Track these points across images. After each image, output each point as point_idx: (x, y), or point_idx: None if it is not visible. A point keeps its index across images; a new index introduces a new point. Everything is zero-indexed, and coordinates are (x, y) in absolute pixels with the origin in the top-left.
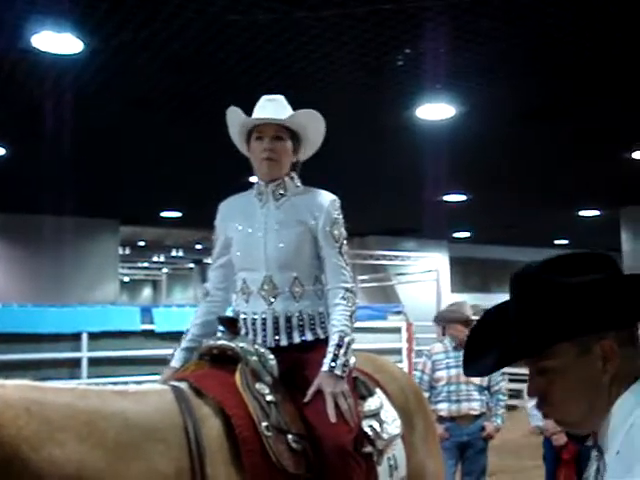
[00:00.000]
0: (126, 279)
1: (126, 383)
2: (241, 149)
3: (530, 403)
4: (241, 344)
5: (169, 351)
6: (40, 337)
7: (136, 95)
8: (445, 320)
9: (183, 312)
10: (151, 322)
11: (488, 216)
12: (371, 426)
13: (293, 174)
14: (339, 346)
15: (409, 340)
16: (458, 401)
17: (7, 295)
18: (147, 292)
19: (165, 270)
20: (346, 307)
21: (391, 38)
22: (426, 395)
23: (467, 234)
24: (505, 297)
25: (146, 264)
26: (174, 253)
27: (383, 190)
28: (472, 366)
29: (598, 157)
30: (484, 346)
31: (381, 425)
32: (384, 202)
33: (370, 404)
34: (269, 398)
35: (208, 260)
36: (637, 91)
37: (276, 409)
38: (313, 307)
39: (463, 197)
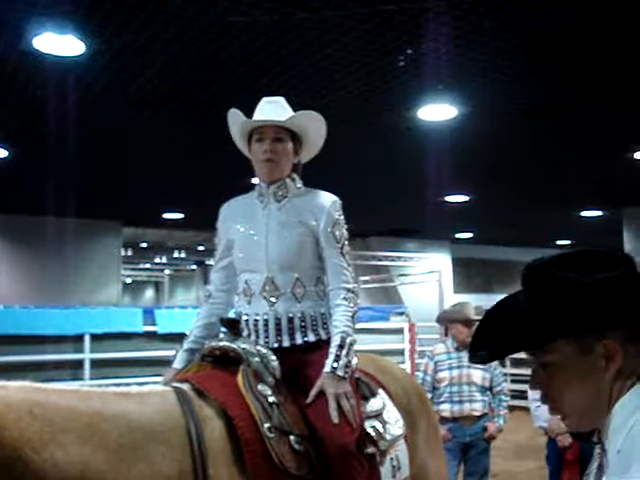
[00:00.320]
0: (128, 280)
1: (129, 384)
2: (243, 151)
3: (534, 404)
4: (243, 345)
5: (171, 352)
6: (42, 338)
7: (138, 97)
8: (446, 320)
9: (185, 313)
10: (153, 323)
11: (490, 216)
12: (374, 427)
13: (294, 175)
14: (341, 347)
15: (411, 341)
16: (460, 402)
17: (9, 296)
18: (149, 293)
19: (167, 271)
20: (348, 308)
21: (393, 39)
22: (429, 396)
23: (469, 235)
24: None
25: (148, 265)
26: (176, 255)
27: (385, 191)
28: (476, 354)
29: (601, 157)
30: (490, 336)
31: (384, 426)
32: (386, 203)
33: (372, 405)
34: (271, 399)
35: (210, 261)
36: None
37: (278, 410)
38: (315, 308)
39: (465, 197)
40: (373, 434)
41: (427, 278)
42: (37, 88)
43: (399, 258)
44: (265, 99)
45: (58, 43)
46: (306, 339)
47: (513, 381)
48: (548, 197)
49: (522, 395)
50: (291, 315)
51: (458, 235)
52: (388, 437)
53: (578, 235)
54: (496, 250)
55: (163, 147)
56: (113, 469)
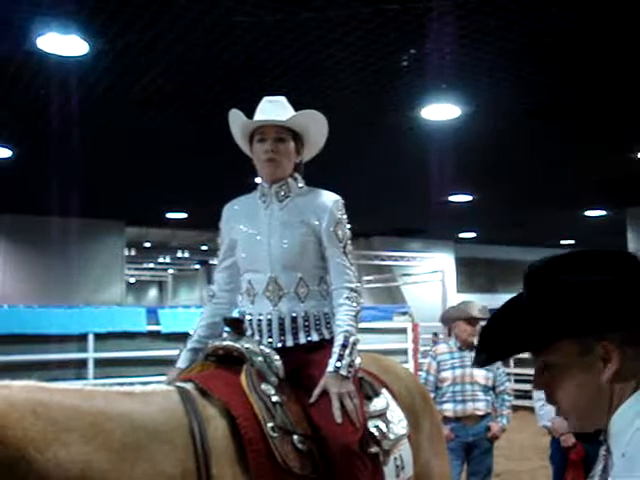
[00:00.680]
0: (132, 280)
1: (132, 384)
2: (245, 150)
3: (538, 404)
4: (247, 345)
5: (175, 352)
6: (46, 338)
7: (141, 96)
8: (449, 318)
9: (189, 313)
10: (157, 323)
11: (494, 216)
12: (377, 426)
13: (296, 175)
14: (344, 346)
15: (415, 341)
16: (463, 401)
17: (13, 296)
18: (153, 293)
19: (171, 271)
20: (351, 307)
21: (396, 38)
22: (432, 396)
23: (473, 234)
24: (511, 297)
25: (152, 265)
26: (180, 254)
27: (388, 190)
28: (480, 356)
29: (604, 157)
30: (493, 337)
31: (387, 425)
32: (390, 202)
33: (376, 404)
34: (275, 399)
35: (214, 261)
36: None
37: (282, 410)
38: (318, 307)
39: (469, 197)
40: (376, 434)
41: (430, 278)
42: (41, 88)
43: (402, 258)
44: (266, 98)
45: (62, 43)
46: (309, 339)
47: (517, 381)
48: (551, 197)
49: (526, 395)
50: (294, 315)
51: (461, 235)
52: (391, 437)
53: (581, 235)
54: (499, 250)
55: (167, 147)
56: (116, 468)
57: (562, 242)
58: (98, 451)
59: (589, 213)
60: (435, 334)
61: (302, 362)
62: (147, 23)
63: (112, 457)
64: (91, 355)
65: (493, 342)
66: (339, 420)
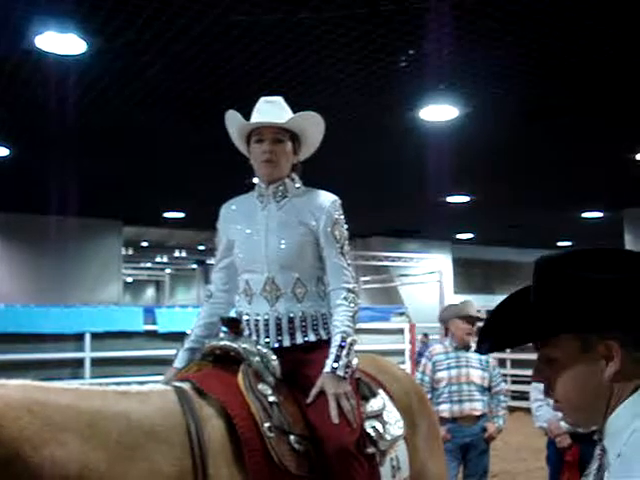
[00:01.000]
0: (129, 279)
1: (129, 383)
2: (242, 150)
3: (535, 404)
4: (244, 345)
5: (172, 351)
6: (43, 337)
7: (139, 96)
8: (447, 316)
9: (186, 313)
10: (154, 323)
11: (491, 217)
12: (374, 427)
13: (294, 175)
14: (341, 347)
15: (412, 341)
16: (460, 401)
17: (10, 295)
18: (150, 293)
19: (168, 271)
20: (348, 307)
21: (394, 39)
22: (428, 397)
23: (470, 235)
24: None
25: (149, 265)
26: (177, 254)
27: (386, 191)
28: (482, 343)
29: (601, 158)
30: (497, 325)
31: (384, 426)
32: (387, 203)
33: (373, 405)
34: (271, 399)
35: (211, 261)
36: None
37: (278, 410)
38: (316, 308)
39: (466, 198)
40: (373, 434)
41: (428, 279)
42: (39, 87)
43: (400, 258)
44: (263, 99)
45: (60, 42)
46: (307, 339)
47: (514, 382)
48: (549, 198)
49: (522, 396)
50: (292, 315)
51: (459, 236)
52: (388, 437)
53: (578, 236)
54: (497, 251)
55: (164, 146)
56: (113, 468)
57: (559, 243)
58: (95, 450)
59: (586, 214)
60: (425, 335)
61: (299, 362)
62: (145, 22)
63: (109, 456)
64: (88, 354)
65: (497, 331)
66: (336, 420)
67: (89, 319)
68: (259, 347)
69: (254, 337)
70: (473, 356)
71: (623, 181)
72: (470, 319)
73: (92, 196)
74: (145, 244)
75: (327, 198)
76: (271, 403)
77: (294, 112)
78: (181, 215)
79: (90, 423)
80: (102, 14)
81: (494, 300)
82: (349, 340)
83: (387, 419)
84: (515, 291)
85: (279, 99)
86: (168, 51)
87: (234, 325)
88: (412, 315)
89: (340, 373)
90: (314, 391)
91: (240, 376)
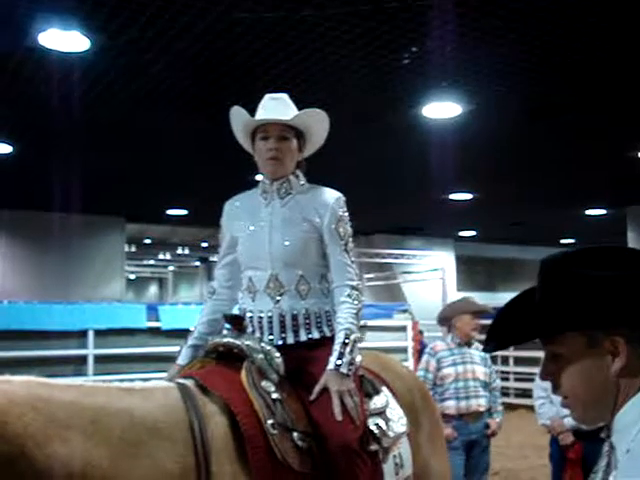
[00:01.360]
0: (132, 277)
1: (132, 380)
2: (246, 147)
3: (538, 402)
4: (247, 342)
5: (175, 348)
6: (46, 334)
7: (142, 93)
8: (452, 312)
9: (189, 310)
10: (157, 320)
11: (494, 215)
12: (377, 424)
13: (298, 172)
14: (345, 344)
15: (415, 339)
16: (467, 397)
17: (14, 292)
18: (153, 290)
19: (171, 268)
20: (352, 305)
21: (397, 36)
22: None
23: (473, 233)
24: (510, 296)
25: (152, 262)
26: (180, 251)
27: (389, 188)
28: (490, 342)
29: (604, 156)
30: (504, 324)
31: (387, 423)
32: (390, 200)
33: (376, 402)
34: (275, 396)
35: (214, 258)
36: None
37: (282, 407)
38: (319, 305)
39: (469, 196)
40: (376, 431)
41: (430, 276)
42: (42, 84)
43: (403, 256)
44: (268, 96)
45: (63, 39)
46: (310, 336)
47: (517, 379)
48: (552, 196)
49: (525, 393)
50: (295, 312)
51: (462, 233)
52: (391, 434)
53: (582, 234)
54: (499, 248)
55: (167, 143)
56: (116, 465)
57: (562, 241)
58: (98, 447)
59: (589, 212)
60: (420, 332)
61: (303, 359)
62: (148, 20)
63: (112, 453)
64: (91, 351)
65: (503, 329)
66: (339, 418)
67: (92, 316)
68: (262, 344)
69: (257, 334)
70: (475, 352)
71: (626, 179)
72: (477, 314)
73: (95, 193)
74: (148, 241)
75: (331, 195)
76: (274, 400)
77: (297, 109)
78: (184, 212)
79: (93, 420)
80: (105, 11)
81: (497, 298)
82: (353, 337)
83: (390, 416)
84: (522, 291)
85: (284, 96)
86: (171, 48)
87: (237, 322)
88: (415, 312)
89: (343, 370)
90: (317, 388)
91: (243, 373)
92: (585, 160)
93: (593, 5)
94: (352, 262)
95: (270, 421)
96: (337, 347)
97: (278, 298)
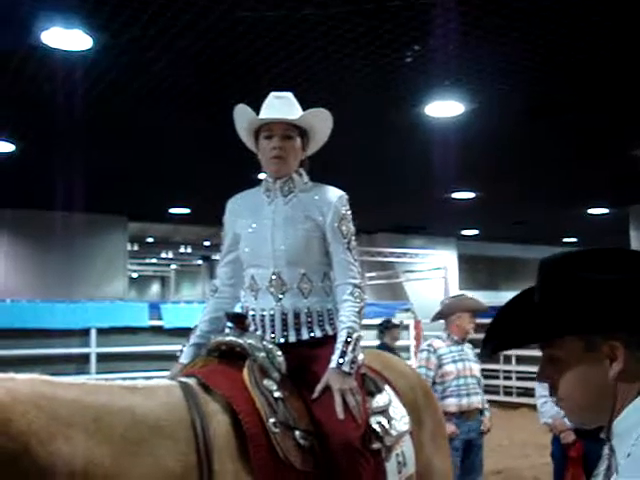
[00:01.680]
0: (134, 275)
1: (134, 379)
2: (249, 145)
3: (540, 400)
4: (249, 340)
5: (177, 347)
6: (49, 333)
7: (145, 91)
8: (451, 310)
9: (191, 308)
10: (159, 318)
11: (496, 214)
12: (379, 422)
13: (301, 170)
14: (347, 342)
15: (417, 337)
16: (468, 395)
17: (16, 291)
18: (155, 288)
19: (173, 266)
20: (354, 303)
21: (400, 35)
22: None
23: (475, 232)
24: (512, 294)
25: (154, 260)
26: (182, 249)
27: (392, 187)
28: (488, 346)
29: (607, 155)
30: (502, 327)
31: (389, 422)
32: (393, 199)
33: (378, 401)
34: (277, 394)
35: (216, 256)
36: None
37: (284, 405)
38: (322, 303)
39: (471, 194)
40: (379, 430)
41: (433, 275)
42: (44, 83)
43: (405, 255)
44: (273, 94)
45: (66, 38)
46: (312, 334)
47: (518, 378)
48: (554, 194)
49: (527, 392)
50: (297, 310)
51: (464, 232)
52: (394, 433)
53: (584, 233)
54: (502, 247)
55: (170, 142)
56: (118, 463)
57: (564, 240)
58: (100, 445)
59: (592, 211)
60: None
61: (305, 358)
62: (150, 18)
63: (114, 451)
64: (93, 350)
65: (501, 332)
66: (341, 416)
67: (95, 315)
68: (265, 343)
69: (260, 332)
70: (468, 350)
71: (628, 177)
72: (476, 312)
73: (97, 192)
74: (150, 240)
75: (334, 193)
76: (276, 399)
77: (300, 108)
78: (186, 211)
79: (95, 418)
80: (107, 10)
81: (499, 296)
82: (355, 336)
83: (393, 415)
84: (520, 291)
85: (289, 95)
86: (173, 47)
87: (240, 320)
88: (417, 311)
89: (346, 369)
90: (320, 387)
91: (245, 372)
92: (588, 159)
93: (596, 4)
94: (355, 260)
95: (272, 420)
96: (339, 345)
97: (280, 296)
